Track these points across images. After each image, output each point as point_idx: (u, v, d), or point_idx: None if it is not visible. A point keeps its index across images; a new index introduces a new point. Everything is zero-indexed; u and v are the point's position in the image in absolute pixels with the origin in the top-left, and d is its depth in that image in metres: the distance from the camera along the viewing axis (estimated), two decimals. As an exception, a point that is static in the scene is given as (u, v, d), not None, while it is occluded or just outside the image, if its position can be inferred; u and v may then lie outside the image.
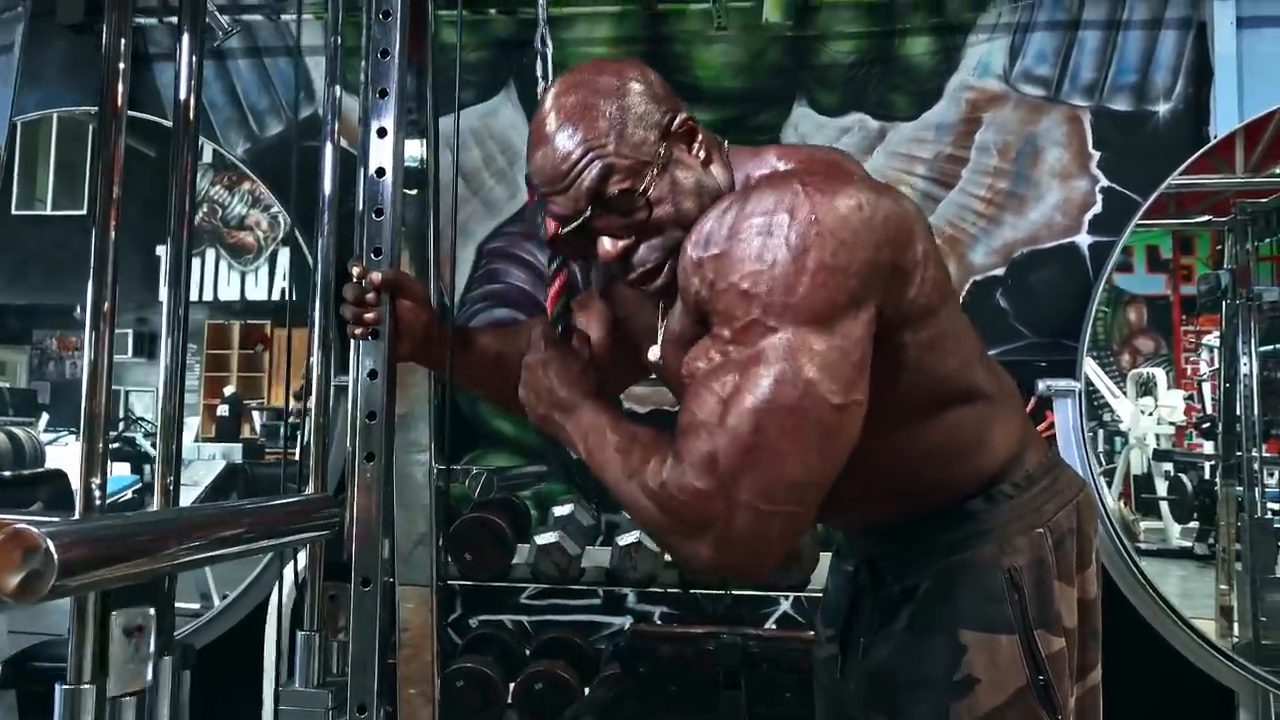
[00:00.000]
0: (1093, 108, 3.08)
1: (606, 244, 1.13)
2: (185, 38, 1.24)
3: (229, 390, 3.59)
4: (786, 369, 0.96)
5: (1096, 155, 3.07)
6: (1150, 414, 3.35)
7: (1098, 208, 3.05)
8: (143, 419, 3.92)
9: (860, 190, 1.04)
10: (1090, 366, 3.38)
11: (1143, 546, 3.36)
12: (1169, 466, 3.39)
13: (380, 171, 1.37)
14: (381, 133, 1.37)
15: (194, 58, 1.23)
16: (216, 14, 2.62)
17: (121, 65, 1.10)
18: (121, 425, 3.87)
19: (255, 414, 3.63)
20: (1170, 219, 3.15)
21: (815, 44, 3.18)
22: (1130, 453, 3.41)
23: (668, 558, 2.69)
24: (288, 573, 1.93)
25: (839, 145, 3.16)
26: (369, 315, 1.35)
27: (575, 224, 1.13)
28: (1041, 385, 2.83)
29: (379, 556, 1.32)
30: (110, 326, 1.05)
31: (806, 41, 3.18)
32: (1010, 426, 1.23)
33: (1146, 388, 3.34)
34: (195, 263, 3.59)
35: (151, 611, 1.09)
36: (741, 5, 3.15)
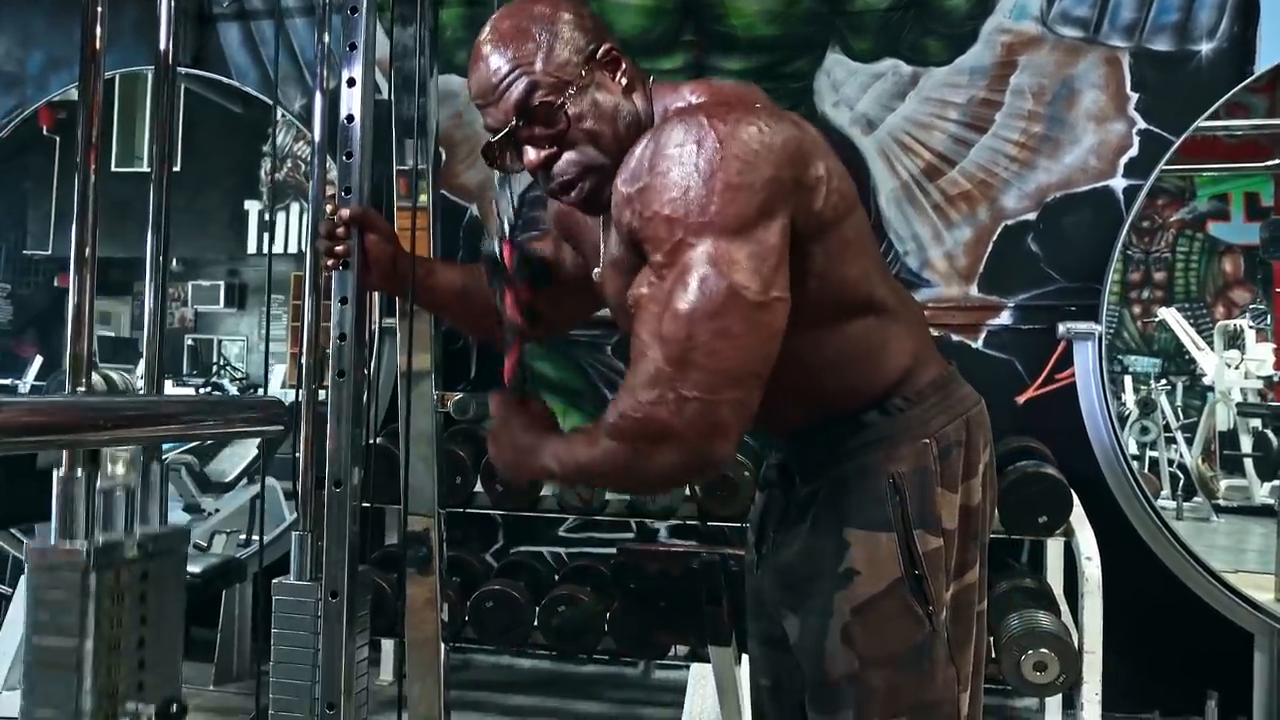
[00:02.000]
0: (1132, 48, 3.03)
1: (531, 153, 1.28)
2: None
3: (313, 338, 3.81)
4: (709, 275, 1.09)
5: (1134, 97, 3.03)
6: (1236, 367, 3.30)
7: (1134, 150, 3.02)
8: (232, 365, 4.21)
9: (760, 117, 1.16)
10: (1175, 318, 3.34)
11: (1222, 503, 3.34)
12: (1256, 422, 3.34)
13: (350, 118, 1.51)
14: (351, 82, 1.51)
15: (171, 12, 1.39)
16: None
17: (99, 20, 1.26)
18: (214, 370, 4.17)
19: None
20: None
21: (849, -10, 3.20)
22: (1215, 407, 3.36)
23: (686, 491, 2.82)
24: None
25: (872, 91, 3.19)
26: (339, 248, 1.52)
27: (503, 134, 1.27)
28: (1061, 328, 2.83)
29: (347, 461, 1.49)
30: (92, 271, 1.21)
31: (840, -12, 3.20)
32: (906, 344, 1.33)
33: (1234, 340, 3.29)
34: (280, 216, 3.86)
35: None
36: (775, -47, 3.18)
